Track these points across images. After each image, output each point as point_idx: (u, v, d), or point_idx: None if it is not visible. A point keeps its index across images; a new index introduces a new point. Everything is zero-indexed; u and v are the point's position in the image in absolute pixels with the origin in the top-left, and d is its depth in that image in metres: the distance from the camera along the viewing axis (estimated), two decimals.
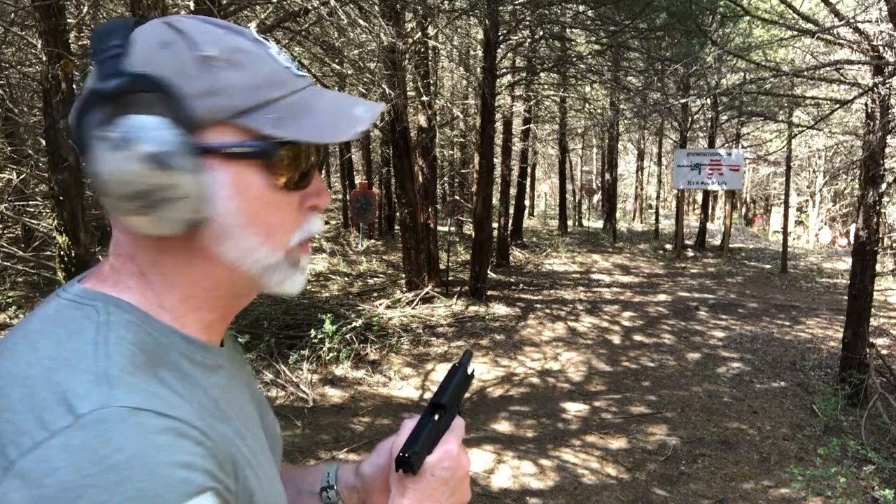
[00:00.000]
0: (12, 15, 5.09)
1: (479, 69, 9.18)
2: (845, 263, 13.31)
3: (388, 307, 8.12)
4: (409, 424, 0.75)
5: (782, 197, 17.65)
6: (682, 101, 12.93)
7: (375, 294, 8.89)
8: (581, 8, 8.86)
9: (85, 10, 5.74)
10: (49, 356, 0.51)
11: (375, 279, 9.90)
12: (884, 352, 6.58)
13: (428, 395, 5.75)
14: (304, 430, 4.85)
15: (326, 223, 15.25)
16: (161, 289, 0.60)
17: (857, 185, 6.85)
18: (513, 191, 14.94)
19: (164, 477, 0.47)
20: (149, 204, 0.55)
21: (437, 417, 0.75)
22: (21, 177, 5.23)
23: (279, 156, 0.60)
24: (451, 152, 17.02)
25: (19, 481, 0.45)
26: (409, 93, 8.38)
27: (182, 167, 0.55)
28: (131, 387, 0.50)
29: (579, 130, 19.47)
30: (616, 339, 7.66)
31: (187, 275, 0.61)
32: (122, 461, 0.45)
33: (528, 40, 10.14)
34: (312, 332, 6.31)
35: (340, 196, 16.43)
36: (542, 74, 12.17)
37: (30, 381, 0.50)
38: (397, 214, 11.23)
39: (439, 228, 10.98)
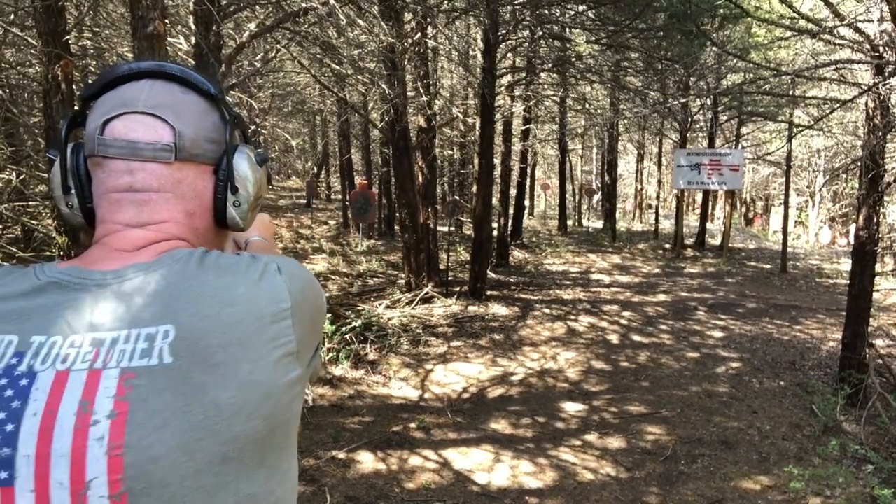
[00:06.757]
0: (12, 15, 5.09)
1: (478, 69, 9.17)
2: (845, 263, 13.31)
3: (387, 307, 8.12)
4: None
5: (782, 197, 17.66)
6: (682, 101, 12.95)
7: (375, 294, 8.89)
8: (581, 8, 8.85)
9: (85, 10, 5.74)
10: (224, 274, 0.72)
11: (375, 279, 9.90)
12: (883, 352, 6.58)
13: (427, 396, 5.75)
14: (304, 429, 4.85)
15: (325, 223, 15.23)
16: None
17: (857, 185, 6.85)
18: (513, 191, 14.94)
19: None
20: (258, 205, 0.84)
21: None
22: (21, 177, 5.22)
23: None
24: (451, 152, 17.01)
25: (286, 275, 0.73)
26: (408, 93, 8.38)
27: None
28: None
29: (579, 130, 19.47)
30: (615, 339, 7.66)
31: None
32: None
33: (528, 40, 10.14)
34: None
35: (340, 196, 16.42)
36: (541, 74, 12.15)
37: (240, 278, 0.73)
38: (397, 215, 11.24)
39: (439, 228, 10.97)
